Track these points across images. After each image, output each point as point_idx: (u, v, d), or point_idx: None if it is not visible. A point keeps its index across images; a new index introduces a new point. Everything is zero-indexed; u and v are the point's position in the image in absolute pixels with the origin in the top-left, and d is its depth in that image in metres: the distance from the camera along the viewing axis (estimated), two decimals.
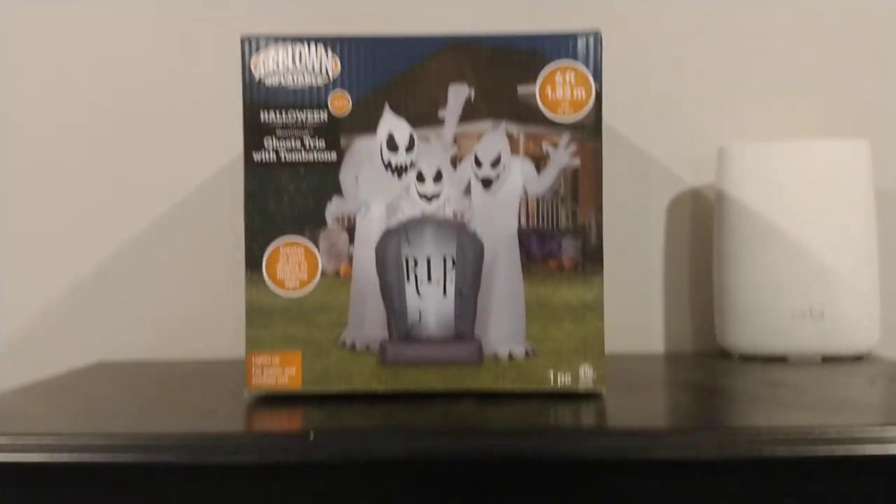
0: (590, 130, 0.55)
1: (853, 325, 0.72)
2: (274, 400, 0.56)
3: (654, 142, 0.80)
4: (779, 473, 0.46)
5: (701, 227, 0.80)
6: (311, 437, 0.45)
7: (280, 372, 0.56)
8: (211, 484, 0.46)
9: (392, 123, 0.56)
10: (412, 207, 0.56)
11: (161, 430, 0.48)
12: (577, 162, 0.55)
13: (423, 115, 0.55)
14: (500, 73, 0.55)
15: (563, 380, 0.55)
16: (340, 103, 0.56)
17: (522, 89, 0.55)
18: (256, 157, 0.56)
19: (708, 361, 0.74)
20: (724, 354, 0.76)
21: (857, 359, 0.72)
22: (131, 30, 0.80)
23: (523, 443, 0.46)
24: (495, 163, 0.55)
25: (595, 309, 0.55)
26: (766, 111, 0.80)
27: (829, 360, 0.72)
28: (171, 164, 0.80)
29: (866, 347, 0.73)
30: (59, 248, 0.81)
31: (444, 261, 0.56)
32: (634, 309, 0.80)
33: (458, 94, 0.55)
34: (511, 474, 0.46)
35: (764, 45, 0.80)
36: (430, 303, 0.56)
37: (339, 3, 0.79)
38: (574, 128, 0.55)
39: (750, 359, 0.73)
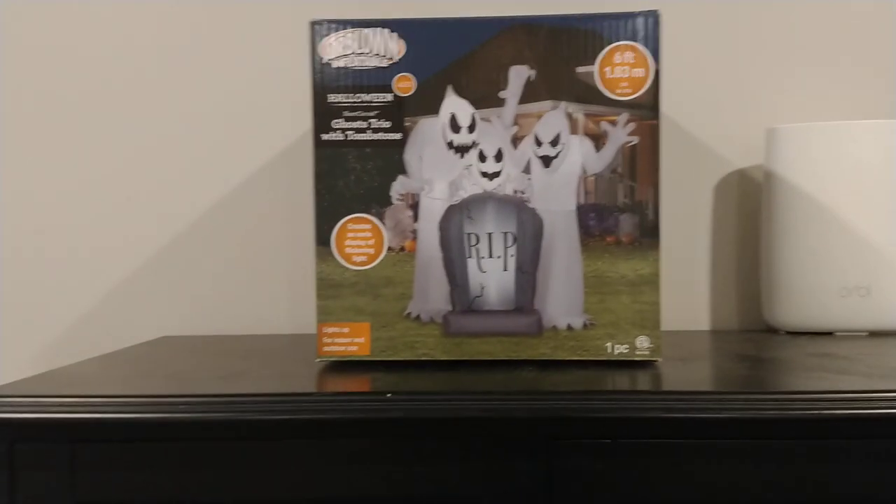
0: (648, 109, 0.57)
1: None
2: (343, 366, 0.59)
3: (702, 124, 0.81)
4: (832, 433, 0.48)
5: (746, 208, 0.82)
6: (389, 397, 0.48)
7: (349, 341, 0.59)
8: (293, 440, 0.49)
9: (455, 104, 0.58)
10: (474, 185, 0.58)
11: (247, 390, 0.52)
12: (634, 140, 0.57)
13: (485, 96, 0.58)
14: (560, 53, 0.57)
15: (620, 350, 0.57)
16: (405, 85, 0.58)
17: (582, 69, 0.57)
18: (325, 137, 0.58)
19: (756, 336, 0.76)
20: (771, 330, 0.78)
21: None
22: (193, 13, 0.83)
23: (584, 403, 0.48)
24: (555, 142, 0.57)
25: (652, 282, 0.57)
26: (812, 93, 0.81)
27: (875, 334, 0.73)
28: (235, 145, 0.83)
29: None
30: (121, 228, 0.84)
31: (505, 237, 0.58)
32: (681, 287, 0.82)
33: (519, 76, 0.57)
34: (572, 433, 0.48)
35: (811, 27, 0.81)
36: (492, 277, 0.58)
37: None
38: (632, 106, 0.57)
39: (796, 334, 0.75)
